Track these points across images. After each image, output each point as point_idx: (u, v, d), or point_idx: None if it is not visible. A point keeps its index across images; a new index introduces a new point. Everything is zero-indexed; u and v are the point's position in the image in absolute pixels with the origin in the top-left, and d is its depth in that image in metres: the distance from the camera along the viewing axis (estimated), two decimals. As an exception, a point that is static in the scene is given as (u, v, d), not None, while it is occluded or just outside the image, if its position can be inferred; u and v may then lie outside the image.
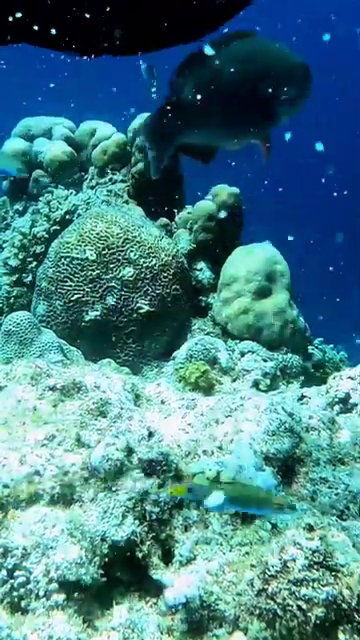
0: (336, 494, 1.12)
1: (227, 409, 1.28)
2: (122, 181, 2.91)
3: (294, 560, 0.88)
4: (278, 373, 2.38)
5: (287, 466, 1.17)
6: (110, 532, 0.99)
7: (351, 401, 1.75)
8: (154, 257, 2.48)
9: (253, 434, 1.19)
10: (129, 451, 1.09)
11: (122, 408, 1.29)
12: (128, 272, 2.42)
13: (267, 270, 2.53)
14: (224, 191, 2.75)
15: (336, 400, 1.77)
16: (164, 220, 2.83)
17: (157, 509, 1.03)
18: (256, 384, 2.25)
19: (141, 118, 2.92)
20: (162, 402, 1.43)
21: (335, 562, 0.88)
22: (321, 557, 0.88)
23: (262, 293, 2.51)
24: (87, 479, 1.06)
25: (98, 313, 2.38)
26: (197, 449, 1.19)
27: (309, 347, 2.70)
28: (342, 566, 0.87)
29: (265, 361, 2.37)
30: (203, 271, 2.72)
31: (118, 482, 1.05)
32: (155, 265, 2.47)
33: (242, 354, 2.42)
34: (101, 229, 2.44)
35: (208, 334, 2.57)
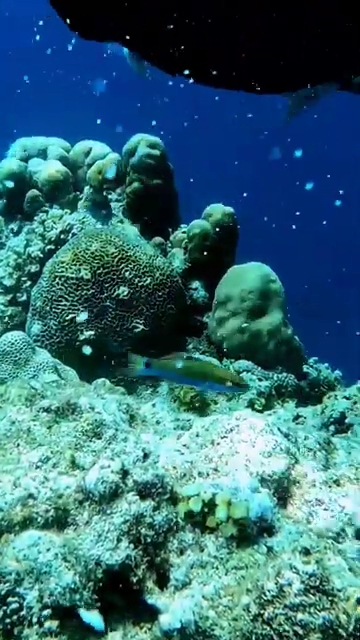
0: (332, 516, 1.11)
1: (223, 430, 1.27)
2: (117, 200, 2.93)
3: (290, 584, 0.87)
4: (273, 392, 2.38)
5: (283, 487, 1.16)
6: (105, 556, 0.98)
7: (346, 421, 1.74)
8: (149, 276, 2.48)
9: (249, 455, 1.18)
10: (124, 473, 1.08)
11: (117, 429, 1.28)
12: (123, 291, 2.43)
13: (261, 289, 2.54)
14: (218, 210, 2.77)
15: (331, 420, 1.77)
16: (159, 239, 2.84)
17: (152, 532, 1.02)
18: (251, 403, 2.25)
19: (136, 137, 2.94)
20: (157, 423, 1.42)
21: (332, 586, 0.87)
22: (317, 581, 0.87)
23: (257, 312, 2.52)
24: (82, 502, 1.05)
25: (93, 332, 2.37)
26: (192, 471, 1.18)
27: (304, 366, 2.71)
28: (339, 590, 0.86)
29: (260, 380, 2.37)
30: (198, 290, 2.73)
31: (113, 505, 1.04)
32: (150, 284, 2.48)
33: (237, 373, 2.42)
34: (96, 248, 2.44)
35: (203, 353, 2.57)
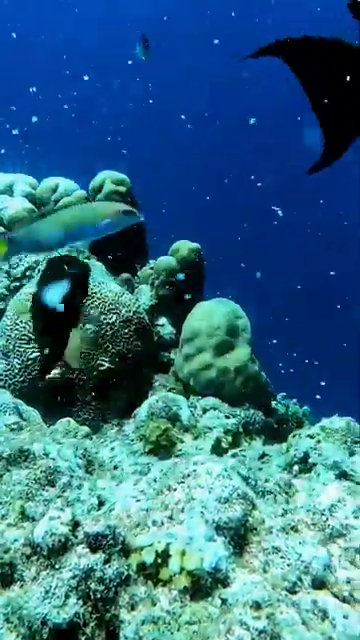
0: (288, 564, 1.09)
1: (180, 475, 1.25)
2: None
3: (241, 642, 0.85)
4: (240, 430, 2.36)
5: (239, 535, 1.14)
6: (51, 614, 0.94)
7: (310, 460, 1.73)
8: (115, 313, 2.47)
9: (205, 502, 1.16)
10: (75, 525, 1.05)
11: (72, 476, 1.25)
12: (88, 329, 2.40)
13: (228, 325, 2.54)
14: (185, 246, 2.77)
15: (295, 460, 1.75)
16: (126, 275, 2.83)
17: (102, 587, 0.99)
18: (218, 441, 2.23)
19: (102, 175, 2.95)
20: (115, 467, 1.39)
21: (283, 643, 0.84)
22: (267, 638, 0.84)
23: (224, 348, 2.51)
24: (29, 556, 1.01)
25: (57, 371, 2.34)
26: (147, 519, 1.15)
27: (272, 402, 2.70)
28: (290, 647, 0.84)
29: (227, 418, 2.35)
30: (165, 326, 2.72)
31: (62, 559, 1.00)
32: (116, 321, 2.46)
33: (204, 411, 2.39)
34: (61, 286, 2.43)
35: (170, 390, 2.54)
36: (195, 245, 2.78)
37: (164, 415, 2.28)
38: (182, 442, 2.23)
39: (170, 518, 1.14)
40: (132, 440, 2.28)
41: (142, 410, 2.33)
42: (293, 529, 1.18)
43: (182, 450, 2.17)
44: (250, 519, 1.17)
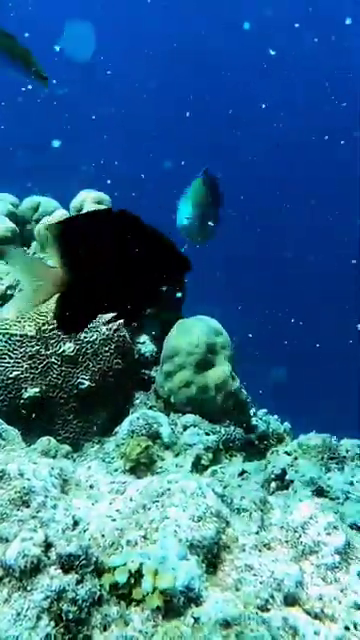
0: (261, 582, 1.10)
1: (155, 494, 1.26)
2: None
3: (210, 661, 0.85)
4: (221, 447, 2.37)
5: (213, 553, 1.15)
6: (23, 636, 0.94)
7: (287, 477, 1.74)
8: (95, 331, 2.48)
9: (179, 521, 1.17)
10: (47, 545, 1.06)
11: (47, 496, 1.25)
12: (69, 347, 2.41)
13: (208, 342, 2.55)
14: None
15: (273, 477, 1.77)
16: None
17: (74, 608, 0.99)
18: (198, 459, 2.23)
19: (83, 194, 2.97)
20: (91, 487, 1.40)
21: (251, 661, 0.85)
22: (236, 657, 0.85)
23: (204, 365, 2.52)
24: (2, 578, 1.01)
25: (37, 390, 2.34)
26: (121, 539, 1.15)
27: (253, 418, 2.71)
28: (258, 665, 0.85)
29: (208, 435, 2.36)
30: (146, 344, 2.73)
31: (34, 580, 1.01)
32: (96, 339, 2.47)
33: (185, 428, 2.40)
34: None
35: (151, 408, 2.55)
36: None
37: (145, 433, 2.29)
38: (162, 460, 2.24)
39: (144, 537, 1.14)
40: (113, 458, 2.28)
41: (123, 428, 2.34)
42: (266, 546, 1.20)
43: (162, 468, 2.18)
44: (224, 537, 1.19)
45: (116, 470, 2.14)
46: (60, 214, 2.99)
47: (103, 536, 1.17)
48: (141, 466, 2.12)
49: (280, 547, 1.19)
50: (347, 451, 1.76)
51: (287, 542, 1.20)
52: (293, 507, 1.31)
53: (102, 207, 2.92)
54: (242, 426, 2.55)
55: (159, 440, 2.31)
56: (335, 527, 1.19)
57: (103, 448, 2.40)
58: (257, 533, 1.25)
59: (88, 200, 2.93)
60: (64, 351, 2.40)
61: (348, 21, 11.37)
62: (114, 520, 1.24)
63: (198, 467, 2.22)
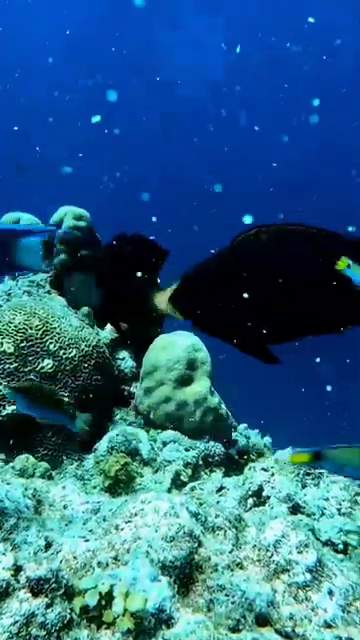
0: (232, 602, 1.10)
1: (127, 514, 1.26)
2: (44, 271, 2.94)
3: None
4: (200, 462, 2.37)
5: (185, 574, 1.15)
6: (-9, 662, 0.94)
7: (264, 494, 1.75)
8: (74, 348, 2.48)
9: (151, 541, 1.17)
10: (17, 569, 1.05)
11: (19, 518, 1.25)
12: (47, 364, 2.41)
13: (188, 358, 2.56)
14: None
15: (250, 493, 1.77)
16: (87, 309, 2.84)
17: (43, 632, 0.99)
18: (177, 475, 2.23)
19: (63, 210, 2.98)
20: (65, 507, 1.39)
21: None
22: None
23: (183, 381, 2.53)
24: (-29, 603, 1.01)
25: (16, 407, 2.33)
26: (93, 560, 1.15)
27: (233, 433, 2.71)
28: None
29: (187, 450, 2.36)
30: (126, 360, 2.73)
31: (3, 605, 1.00)
32: (75, 356, 2.47)
33: (164, 444, 2.40)
34: (19, 321, 2.43)
35: (130, 424, 2.55)
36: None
37: (124, 449, 2.29)
38: (141, 476, 2.24)
39: (115, 559, 1.14)
40: (92, 475, 2.28)
41: (102, 444, 2.33)
42: (239, 566, 1.20)
43: (141, 484, 2.18)
44: (196, 557, 1.19)
45: (95, 487, 2.14)
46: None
47: (75, 558, 1.17)
48: (120, 483, 2.12)
49: (252, 566, 1.19)
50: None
51: (259, 561, 1.20)
52: (267, 525, 1.32)
53: (82, 223, 2.92)
54: (222, 441, 2.55)
55: (138, 456, 2.31)
56: (306, 545, 1.19)
57: (82, 465, 2.39)
58: (230, 552, 1.25)
59: (68, 216, 2.94)
60: (43, 368, 2.39)
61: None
62: (87, 541, 1.24)
63: (177, 483, 2.22)
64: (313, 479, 1.75)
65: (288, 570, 1.17)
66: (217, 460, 2.45)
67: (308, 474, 1.78)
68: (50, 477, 2.22)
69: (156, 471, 2.29)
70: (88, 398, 2.47)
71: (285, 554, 1.19)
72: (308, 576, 1.16)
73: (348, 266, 1.34)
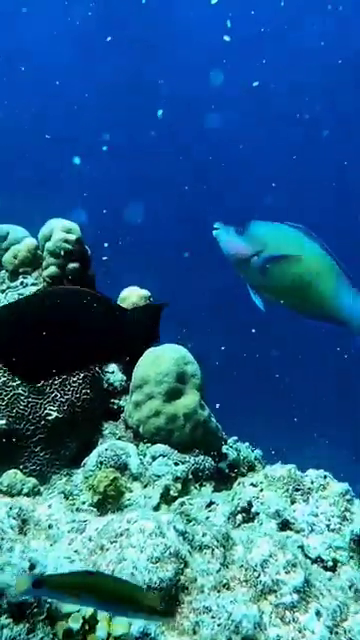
0: (219, 624, 1.08)
1: (113, 534, 1.24)
2: (33, 284, 2.92)
3: None
4: (190, 477, 2.35)
5: (170, 596, 1.13)
6: None
7: (253, 510, 1.73)
8: (63, 362, 2.46)
9: (136, 562, 1.16)
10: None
11: (3, 538, 1.23)
12: (35, 378, 2.39)
13: (177, 371, 2.54)
14: (134, 293, 2.79)
15: (238, 509, 1.76)
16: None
17: (25, 658, 0.97)
18: (167, 490, 2.21)
19: (52, 222, 2.97)
20: (50, 526, 1.38)
21: None
22: None
23: (173, 395, 2.51)
24: None
25: (4, 422, 2.31)
26: (77, 583, 1.13)
27: (223, 447, 2.70)
28: None
29: (177, 465, 2.35)
30: (115, 373, 2.71)
31: (-16, 630, 0.98)
32: (64, 370, 2.45)
33: (153, 458, 2.38)
34: (8, 335, 2.41)
35: (120, 438, 2.53)
36: (144, 292, 2.80)
37: (113, 464, 2.27)
38: (130, 491, 2.22)
39: (100, 581, 1.12)
40: (81, 490, 2.26)
41: (91, 459, 2.31)
42: (225, 586, 1.19)
43: (130, 500, 2.16)
44: (182, 578, 1.17)
45: (84, 503, 2.12)
46: (28, 242, 2.98)
47: (59, 580, 1.15)
48: (109, 498, 2.10)
49: (239, 587, 1.18)
50: (312, 482, 1.76)
51: (247, 581, 1.19)
52: (255, 543, 1.31)
53: (71, 236, 2.91)
54: (212, 455, 2.53)
55: (127, 471, 2.29)
56: (294, 565, 1.18)
57: (71, 480, 2.37)
58: (218, 571, 1.24)
59: (57, 229, 2.92)
60: (31, 382, 2.38)
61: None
62: (72, 562, 1.23)
63: (167, 498, 2.20)
64: (302, 495, 1.74)
65: (275, 591, 1.16)
66: (207, 474, 2.44)
67: (297, 489, 1.76)
68: (38, 492, 2.20)
69: (145, 486, 2.27)
70: (77, 412, 2.45)
71: (272, 574, 1.18)
72: (295, 597, 1.14)
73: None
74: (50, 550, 1.27)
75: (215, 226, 2.53)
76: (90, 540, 1.29)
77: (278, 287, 2.56)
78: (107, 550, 1.20)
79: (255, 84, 11.17)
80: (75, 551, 1.26)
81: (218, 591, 1.16)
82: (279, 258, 2.44)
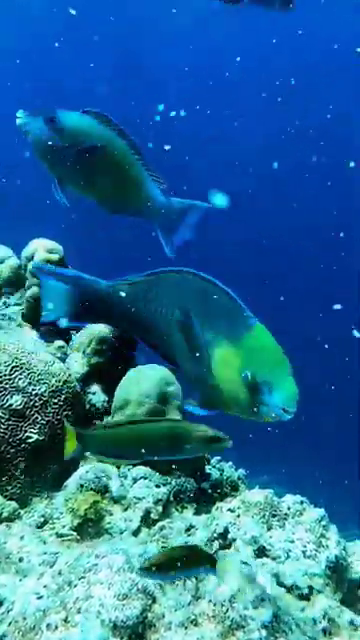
0: (184, 663, 1.08)
1: (81, 570, 1.24)
2: (16, 304, 2.92)
3: None
4: (171, 499, 2.34)
5: (137, 633, 1.13)
6: None
7: (230, 536, 1.73)
8: (44, 383, 2.45)
9: (103, 599, 1.15)
10: None
11: (-29, 575, 1.22)
12: (16, 401, 2.38)
13: (159, 392, 2.54)
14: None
15: (215, 535, 1.75)
16: (59, 343, 2.83)
17: None
18: (147, 513, 2.21)
19: (35, 242, 2.97)
20: (20, 560, 1.37)
21: None
22: None
23: (154, 416, 2.51)
24: None
25: (-17, 445, 2.30)
26: (42, 622, 1.13)
27: (206, 466, 2.69)
28: None
29: (158, 487, 2.34)
30: (97, 394, 2.71)
31: None
32: (45, 392, 2.44)
33: (135, 480, 2.37)
34: (-12, 358, 2.40)
35: (101, 461, 2.52)
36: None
37: (94, 487, 2.26)
38: (111, 514, 2.21)
39: (65, 621, 1.12)
40: (61, 513, 2.24)
41: (72, 482, 2.30)
42: (193, 622, 1.18)
43: (110, 523, 2.15)
44: (149, 615, 1.17)
45: (64, 526, 2.10)
46: (11, 262, 2.98)
47: (24, 619, 1.14)
48: (89, 522, 2.09)
49: (207, 622, 1.17)
50: (289, 508, 1.76)
51: (215, 617, 1.18)
52: (225, 576, 1.30)
53: (54, 256, 2.92)
54: (194, 475, 2.52)
55: (108, 494, 2.28)
56: (262, 599, 1.17)
57: (52, 503, 2.36)
58: (189, 604, 1.23)
59: (40, 249, 2.93)
60: (11, 405, 2.36)
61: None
62: (40, 597, 1.22)
63: (147, 522, 2.20)
64: (279, 521, 1.74)
65: (243, 627, 1.15)
66: (188, 497, 2.43)
67: (274, 515, 1.76)
68: (19, 516, 2.19)
69: (126, 509, 2.26)
70: (58, 434, 2.44)
71: (241, 609, 1.17)
72: (264, 632, 1.14)
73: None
74: (19, 585, 1.26)
75: (18, 115, 2.40)
76: (60, 574, 1.28)
77: (86, 179, 2.51)
78: (75, 586, 1.19)
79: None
80: (44, 586, 1.25)
81: (186, 628, 1.15)
82: (89, 149, 2.39)
